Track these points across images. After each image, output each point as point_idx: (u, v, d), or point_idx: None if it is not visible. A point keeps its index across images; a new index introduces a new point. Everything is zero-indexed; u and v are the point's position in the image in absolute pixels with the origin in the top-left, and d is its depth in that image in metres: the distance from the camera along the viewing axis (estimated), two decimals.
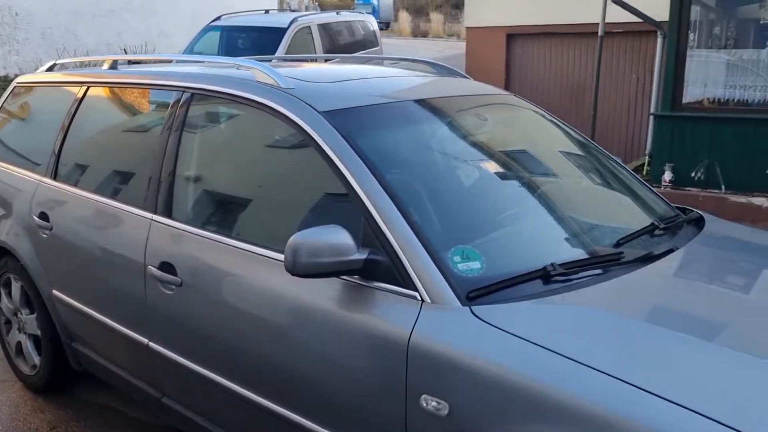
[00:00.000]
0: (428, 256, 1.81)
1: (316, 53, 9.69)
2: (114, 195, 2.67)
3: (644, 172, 7.02)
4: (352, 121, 2.15)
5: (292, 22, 9.49)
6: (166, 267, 2.34)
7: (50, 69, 3.45)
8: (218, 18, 10.26)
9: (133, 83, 2.81)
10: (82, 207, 2.79)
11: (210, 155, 2.46)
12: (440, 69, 3.08)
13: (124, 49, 11.84)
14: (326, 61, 4.86)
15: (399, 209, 1.88)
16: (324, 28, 10.23)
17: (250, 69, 2.44)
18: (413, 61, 3.22)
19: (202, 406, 2.41)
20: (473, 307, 1.73)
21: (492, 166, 2.40)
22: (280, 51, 9.14)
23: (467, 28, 10.68)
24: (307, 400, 1.99)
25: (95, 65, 3.47)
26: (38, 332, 3.19)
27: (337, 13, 11.29)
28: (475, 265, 1.85)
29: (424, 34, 28.91)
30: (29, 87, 3.47)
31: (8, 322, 3.45)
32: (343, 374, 1.89)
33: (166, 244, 2.37)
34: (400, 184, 1.99)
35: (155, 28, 15.49)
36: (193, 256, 2.29)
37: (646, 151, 7.60)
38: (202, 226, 2.31)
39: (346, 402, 1.89)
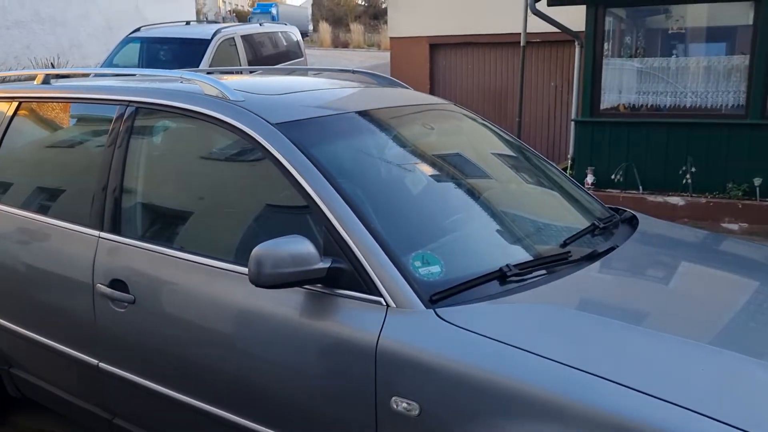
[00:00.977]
0: (390, 263, 1.85)
1: (240, 65, 9.62)
2: (54, 213, 2.60)
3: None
4: (305, 132, 2.18)
5: (215, 34, 9.38)
6: (118, 284, 2.29)
7: None
8: (138, 29, 10.03)
9: (72, 98, 2.74)
10: (18, 227, 2.68)
11: (158, 169, 2.43)
12: (381, 80, 3.14)
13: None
14: (251, 72, 4.84)
15: (359, 218, 1.93)
16: (247, 39, 10.17)
17: (196, 82, 2.42)
18: (354, 72, 3.27)
19: (158, 424, 2.37)
20: (437, 310, 1.79)
21: (441, 173, 2.48)
22: (204, 63, 9.02)
23: (391, 38, 10.85)
24: (276, 412, 2.00)
25: (21, 80, 3.34)
26: None
27: (260, 24, 11.24)
28: (435, 269, 1.91)
29: (345, 45, 29.08)
30: None
31: None
32: (310, 382, 1.91)
33: (116, 261, 2.32)
34: (356, 192, 2.03)
35: (66, 40, 14.95)
36: (146, 272, 2.25)
37: (569, 155, 7.93)
38: (155, 242, 2.28)
39: (316, 409, 1.91)
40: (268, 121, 2.15)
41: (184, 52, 9.36)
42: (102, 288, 2.33)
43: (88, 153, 2.65)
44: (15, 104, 2.90)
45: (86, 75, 3.18)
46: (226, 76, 3.17)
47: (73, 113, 2.81)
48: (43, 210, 2.65)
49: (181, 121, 2.42)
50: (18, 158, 2.88)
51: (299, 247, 1.82)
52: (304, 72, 4.01)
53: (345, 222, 1.91)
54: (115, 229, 2.37)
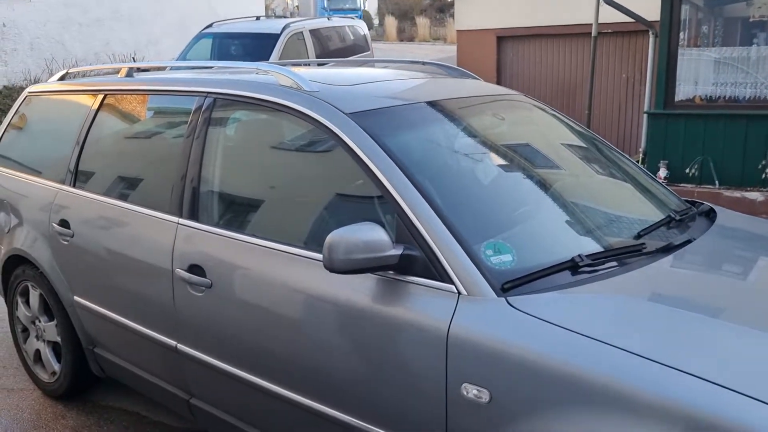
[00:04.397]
0: (462, 251, 1.87)
1: (308, 58, 9.76)
2: (137, 201, 2.71)
3: None
4: (378, 121, 2.21)
5: (284, 28, 9.56)
6: (195, 269, 2.38)
7: (62, 78, 3.48)
8: (210, 25, 10.31)
9: (153, 90, 2.85)
10: (104, 213, 2.82)
11: (234, 158, 2.50)
12: (451, 71, 3.15)
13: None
14: (319, 65, 4.92)
15: (431, 206, 1.94)
16: (315, 33, 10.31)
17: (271, 73, 2.49)
18: (425, 63, 3.29)
19: (232, 405, 2.46)
20: (508, 298, 1.79)
21: (511, 163, 2.47)
22: (274, 57, 9.20)
23: (458, 31, 10.78)
24: (344, 395, 2.04)
25: (107, 73, 3.49)
26: (58, 339, 3.21)
27: (329, 18, 11.36)
28: (507, 258, 1.91)
29: (410, 39, 29.04)
30: (44, 96, 3.49)
31: (25, 330, 3.47)
32: (379, 367, 1.94)
33: (195, 247, 2.41)
34: (428, 181, 2.04)
35: (143, 36, 15.47)
36: (223, 257, 2.33)
37: (640, 149, 7.72)
38: (231, 228, 2.35)
39: (385, 394, 1.94)
40: (341, 111, 2.19)
41: (254, 47, 9.58)
42: (181, 272, 2.42)
43: (168, 142, 2.75)
44: (101, 96, 3.04)
45: (165, 68, 3.31)
46: (298, 68, 3.24)
47: (154, 105, 2.92)
48: (126, 197, 2.77)
49: (256, 112, 2.49)
50: (103, 148, 3.02)
51: (372, 234, 1.85)
52: (373, 64, 4.05)
53: (417, 210, 1.93)
54: (194, 216, 2.46)
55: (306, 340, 2.12)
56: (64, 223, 2.97)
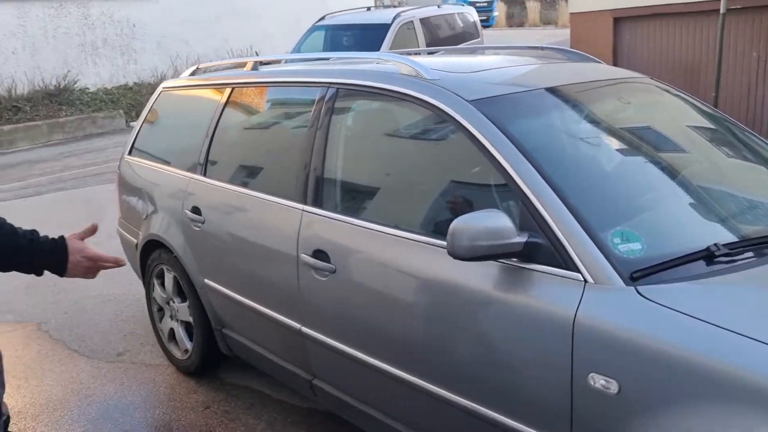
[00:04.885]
0: (588, 238, 1.83)
1: (418, 47, 9.78)
2: (263, 188, 2.83)
3: None
4: (500, 108, 2.20)
5: (395, 18, 9.63)
6: (320, 255, 2.46)
7: (193, 73, 3.69)
8: (323, 18, 10.55)
9: (277, 82, 2.97)
10: (233, 201, 2.97)
11: (357, 147, 2.57)
12: (571, 55, 3.07)
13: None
14: (430, 54, 4.92)
15: (555, 193, 1.91)
16: (426, 22, 10.31)
17: (392, 62, 2.53)
18: (543, 48, 3.22)
19: (354, 387, 2.53)
20: (638, 287, 1.74)
21: (638, 149, 2.38)
22: (384, 47, 9.29)
23: (571, 14, 10.46)
24: (466, 380, 2.06)
25: (234, 67, 3.67)
26: (190, 319, 3.42)
27: (438, 6, 11.32)
28: (636, 246, 1.85)
29: (520, 24, 28.45)
30: (176, 91, 3.72)
31: (161, 309, 3.72)
32: (503, 354, 1.94)
33: (319, 233, 2.50)
34: (552, 168, 2.01)
35: (259, 31, 16.07)
36: (347, 243, 2.40)
37: None
38: (354, 215, 2.42)
39: (508, 381, 1.94)
40: (463, 98, 2.19)
41: (365, 37, 9.72)
42: (305, 258, 2.51)
43: (292, 132, 2.86)
44: (229, 90, 3.20)
45: (287, 61, 3.42)
46: (415, 57, 3.27)
47: (278, 96, 3.04)
48: (252, 185, 2.91)
49: (377, 101, 2.54)
50: (231, 138, 3.18)
51: (496, 221, 1.85)
52: (487, 51, 4.00)
53: (542, 197, 1.91)
54: (318, 203, 2.55)
55: (427, 325, 2.15)
56: (195, 210, 3.15)
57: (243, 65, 3.28)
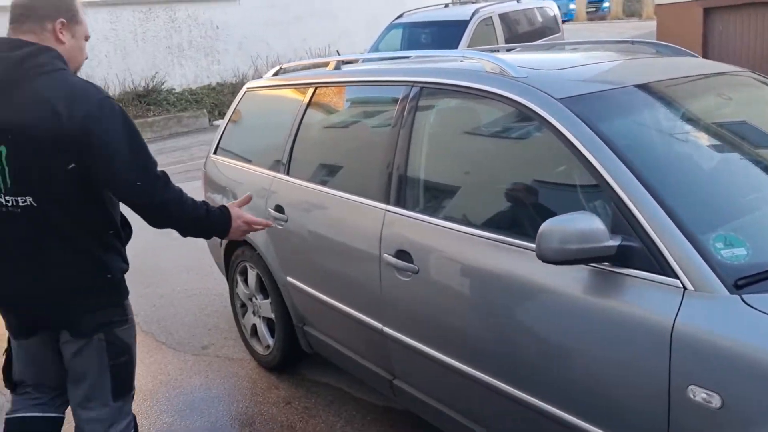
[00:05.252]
0: (688, 242, 1.73)
1: (497, 44, 9.64)
2: (346, 188, 2.84)
3: None
4: (591, 106, 2.12)
5: (473, 14, 9.51)
6: (403, 255, 2.45)
7: (276, 73, 3.74)
8: (401, 15, 10.54)
9: (360, 81, 2.97)
10: (316, 200, 3.00)
11: (441, 146, 2.54)
12: (664, 49, 2.94)
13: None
14: (508, 50, 4.83)
15: (651, 195, 1.83)
16: (504, 17, 10.14)
17: (477, 60, 2.48)
18: (633, 42, 3.10)
19: (435, 388, 2.50)
20: (743, 296, 1.63)
21: (740, 147, 2.26)
22: (462, 44, 9.20)
23: (657, 5, 10.10)
24: (555, 389, 1.99)
25: (316, 68, 3.70)
26: (272, 316, 3.48)
27: (518, 1, 11.12)
28: (740, 251, 1.75)
29: (602, 17, 27.65)
30: (259, 91, 3.78)
31: (243, 306, 3.80)
32: (593, 362, 1.87)
33: (402, 233, 2.48)
34: (647, 168, 1.92)
35: (336, 31, 16.25)
36: (430, 243, 2.38)
37: None
38: (438, 215, 2.39)
39: (599, 389, 1.87)
40: (552, 96, 2.13)
41: (443, 35, 9.64)
42: (388, 258, 2.50)
43: (376, 132, 2.85)
44: (312, 89, 3.23)
45: (371, 60, 3.42)
46: (500, 54, 3.21)
47: (361, 95, 3.05)
48: (335, 184, 2.92)
49: (462, 99, 2.50)
50: (314, 137, 3.21)
51: (588, 224, 1.78)
52: (572, 46, 3.88)
53: (636, 199, 1.83)
54: (401, 203, 2.53)
55: (510, 329, 2.10)
56: (279, 209, 3.20)
57: (325, 65, 3.30)
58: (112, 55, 13.01)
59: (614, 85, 2.31)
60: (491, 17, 9.85)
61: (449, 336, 2.33)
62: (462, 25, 9.49)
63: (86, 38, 2.11)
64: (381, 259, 2.54)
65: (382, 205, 2.59)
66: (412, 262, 2.40)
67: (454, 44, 9.12)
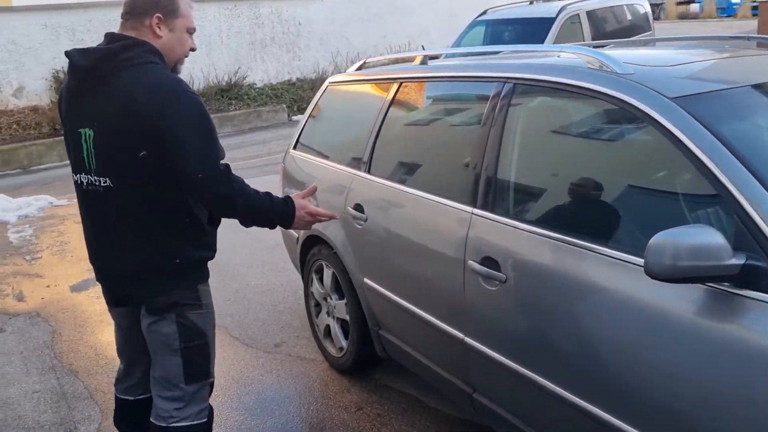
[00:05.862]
0: None
1: (583, 42, 9.30)
2: (430, 188, 2.70)
3: None
4: (708, 107, 1.91)
5: (560, 12, 9.19)
6: (489, 262, 2.29)
7: (359, 68, 3.64)
8: (484, 12, 10.32)
9: (449, 77, 2.83)
10: (397, 200, 2.87)
11: (536, 147, 2.37)
12: None
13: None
14: (595, 48, 4.55)
15: None
16: (592, 15, 9.76)
17: (577, 55, 2.30)
18: (750, 38, 2.83)
19: (518, 405, 2.34)
20: None
21: None
22: (547, 42, 8.90)
23: (761, 2, 9.48)
24: (651, 415, 1.80)
25: (399, 63, 3.58)
26: (347, 317, 3.38)
27: None
28: None
29: (694, 16, 26.50)
30: (341, 86, 3.69)
31: (318, 305, 3.72)
32: (705, 391, 1.67)
33: (489, 239, 2.33)
34: None
35: (416, 27, 16.13)
36: (520, 252, 2.21)
37: None
38: (530, 222, 2.22)
39: (714, 425, 1.66)
40: (664, 95, 1.92)
41: (527, 32, 9.36)
42: (473, 264, 2.35)
43: (463, 131, 2.71)
44: (396, 85, 3.10)
45: (459, 55, 3.27)
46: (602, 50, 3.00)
47: (449, 92, 2.90)
48: (418, 185, 2.79)
49: (561, 97, 2.31)
50: (397, 135, 3.09)
51: (707, 239, 1.59)
52: (669, 42, 3.61)
53: (765, 211, 1.61)
54: (489, 207, 2.37)
55: (609, 349, 1.92)
56: (358, 208, 3.09)
57: (411, 60, 3.17)
58: (197, 50, 13.28)
59: (731, 84, 2.09)
60: (578, 14, 9.50)
61: (538, 352, 2.16)
62: (547, 22, 9.19)
63: (189, 30, 2.20)
64: (465, 266, 2.39)
65: (468, 208, 2.44)
66: (499, 271, 2.25)
67: (538, 42, 8.83)
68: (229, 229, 5.87)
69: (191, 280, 2.24)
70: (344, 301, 3.37)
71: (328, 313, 3.59)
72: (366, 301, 3.16)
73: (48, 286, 5.14)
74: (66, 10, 11.73)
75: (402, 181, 2.88)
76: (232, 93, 13.08)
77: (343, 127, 3.63)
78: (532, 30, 9.24)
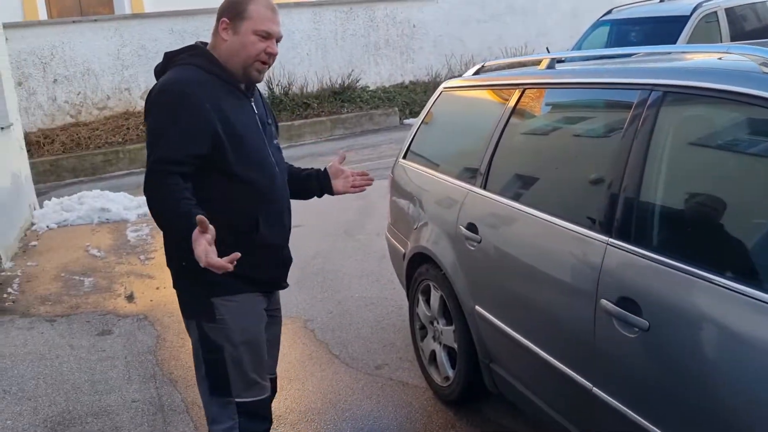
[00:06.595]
0: None
1: (721, 43, 8.50)
2: (556, 211, 2.35)
3: None
4: None
5: (695, 9, 8.44)
6: (627, 304, 1.92)
7: (477, 72, 3.34)
8: (609, 12, 9.70)
9: (582, 83, 2.46)
10: (517, 222, 2.54)
11: (690, 167, 1.97)
12: None
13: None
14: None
15: None
16: (731, 12, 8.92)
17: (750, 57, 1.88)
18: None
19: None
20: None
21: None
22: (680, 43, 8.20)
23: None
24: None
25: (521, 66, 3.24)
26: (454, 345, 3.09)
27: None
28: None
29: None
30: (457, 91, 3.40)
31: (423, 328, 3.44)
32: None
33: (629, 276, 1.96)
34: None
35: (534, 29, 15.54)
36: (667, 294, 1.83)
37: None
38: (680, 259, 1.82)
39: None
40: None
41: (656, 32, 8.68)
42: (607, 304, 1.99)
43: (598, 146, 2.35)
44: (519, 91, 2.77)
45: (590, 58, 2.89)
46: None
47: (582, 100, 2.54)
48: (543, 206, 2.43)
49: (724, 108, 1.91)
50: (520, 148, 2.76)
51: None
52: None
53: None
54: (628, 237, 2.00)
55: None
56: (471, 227, 2.79)
57: (536, 63, 2.83)
58: (313, 53, 13.39)
59: None
60: (716, 12, 8.70)
61: (687, 416, 1.77)
62: (681, 21, 8.48)
63: (259, 33, 2.09)
64: (597, 305, 2.03)
65: (603, 237, 2.08)
66: (640, 315, 1.87)
67: (670, 43, 8.16)
68: (339, 235, 5.69)
69: (200, 290, 2.13)
70: (452, 327, 3.08)
71: (434, 338, 3.31)
72: (477, 331, 2.85)
73: (158, 288, 5.17)
74: (192, 16, 12.12)
75: (523, 201, 2.54)
76: (345, 95, 13.07)
77: (458, 137, 3.32)
78: (663, 30, 8.56)
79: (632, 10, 9.57)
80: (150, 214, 2.02)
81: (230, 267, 1.83)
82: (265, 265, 2.21)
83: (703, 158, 1.97)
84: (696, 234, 1.89)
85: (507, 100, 2.82)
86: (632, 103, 2.12)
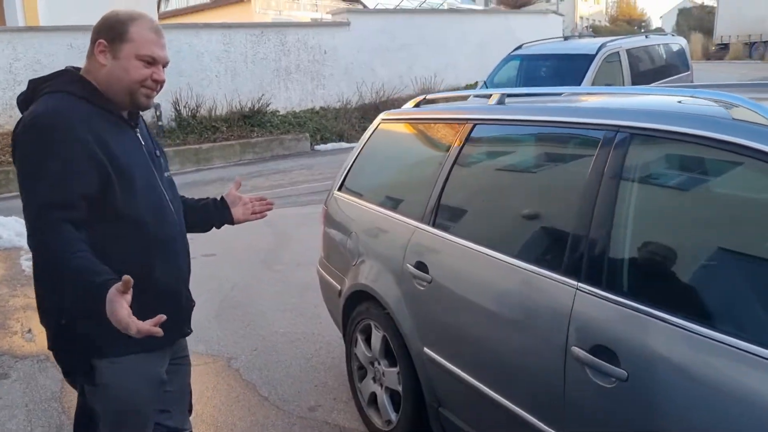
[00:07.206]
0: None
1: (623, 81, 8.95)
2: (515, 252, 2.29)
3: None
4: None
5: (600, 48, 8.87)
6: (603, 353, 1.86)
7: (417, 105, 3.26)
8: (519, 47, 10.01)
9: (540, 121, 2.42)
10: (474, 263, 2.45)
11: (662, 213, 1.95)
12: None
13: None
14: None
15: None
16: (632, 53, 9.44)
17: (715, 103, 1.89)
18: None
19: None
20: None
21: None
22: (587, 80, 8.57)
23: None
24: None
25: (460, 100, 3.19)
26: (399, 389, 2.95)
27: (646, 37, 10.37)
28: None
29: (719, 57, 26.21)
30: (396, 124, 3.31)
31: (362, 368, 3.29)
32: None
33: (602, 325, 1.90)
34: None
35: (444, 59, 15.89)
36: (646, 344, 1.77)
37: None
38: (657, 306, 1.78)
39: None
40: None
41: (565, 69, 9.03)
42: (580, 353, 1.92)
43: (558, 187, 2.30)
44: (469, 126, 2.70)
45: (540, 95, 2.88)
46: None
47: (538, 139, 2.50)
48: (501, 247, 2.35)
49: (695, 153, 1.90)
50: (472, 186, 2.68)
51: None
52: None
53: None
54: (597, 282, 1.94)
55: None
56: (420, 266, 2.68)
57: (486, 97, 2.78)
58: (222, 75, 13.06)
59: None
60: (618, 52, 9.18)
61: None
62: (587, 59, 8.88)
63: (142, 58, 1.86)
64: (568, 353, 1.96)
65: (572, 281, 2.02)
66: (618, 366, 1.82)
67: (577, 79, 8.51)
68: (256, 266, 5.39)
69: (80, 350, 1.87)
70: (396, 369, 2.94)
71: (374, 380, 3.16)
72: (425, 374, 2.72)
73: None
74: None
75: (479, 242, 2.45)
76: (255, 119, 12.80)
77: (401, 171, 3.23)
78: (571, 66, 8.91)
79: (541, 47, 9.94)
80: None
81: (160, 332, 1.61)
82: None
83: (675, 205, 1.96)
84: (676, 281, 1.86)
85: (455, 135, 2.75)
86: (596, 144, 2.08)
